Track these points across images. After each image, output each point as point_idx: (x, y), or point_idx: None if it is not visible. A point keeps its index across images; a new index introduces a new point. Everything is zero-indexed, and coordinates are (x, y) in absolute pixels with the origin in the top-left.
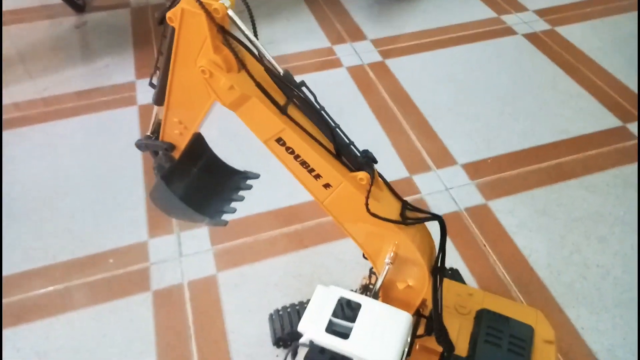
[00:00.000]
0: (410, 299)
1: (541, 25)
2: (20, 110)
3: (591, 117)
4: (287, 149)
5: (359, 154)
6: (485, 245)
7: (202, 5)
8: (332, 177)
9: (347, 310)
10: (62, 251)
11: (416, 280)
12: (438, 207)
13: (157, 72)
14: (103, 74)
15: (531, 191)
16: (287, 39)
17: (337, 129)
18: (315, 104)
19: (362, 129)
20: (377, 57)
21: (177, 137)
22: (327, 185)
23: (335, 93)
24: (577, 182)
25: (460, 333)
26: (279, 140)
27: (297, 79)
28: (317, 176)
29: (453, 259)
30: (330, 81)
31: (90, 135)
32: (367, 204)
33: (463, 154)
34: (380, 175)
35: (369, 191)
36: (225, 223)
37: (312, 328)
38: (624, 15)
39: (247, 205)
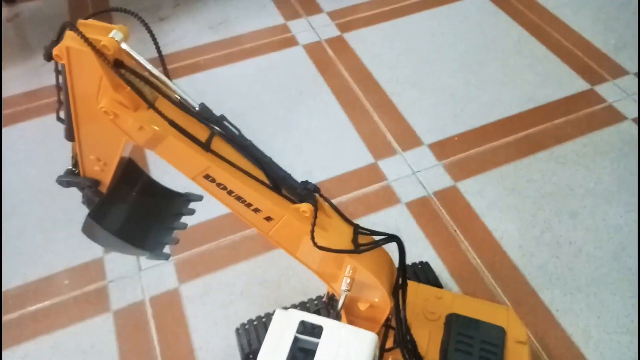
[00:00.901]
0: (375, 316)
1: None
2: None
3: (558, 81)
4: (218, 185)
5: (297, 186)
6: (455, 231)
7: (89, 43)
8: (271, 211)
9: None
10: (13, 276)
11: (378, 298)
12: (406, 193)
13: (62, 105)
14: (44, 72)
15: (500, 168)
16: (239, 18)
17: (271, 162)
18: (241, 138)
19: (323, 113)
20: (335, 32)
21: (98, 173)
22: (268, 218)
23: (293, 74)
24: (546, 153)
25: (430, 341)
26: (208, 177)
27: (253, 62)
28: (256, 210)
29: (423, 249)
30: (287, 61)
31: (35, 143)
32: (312, 238)
33: (429, 133)
34: (327, 200)
35: (313, 224)
36: (167, 257)
37: None
38: None
39: (206, 208)
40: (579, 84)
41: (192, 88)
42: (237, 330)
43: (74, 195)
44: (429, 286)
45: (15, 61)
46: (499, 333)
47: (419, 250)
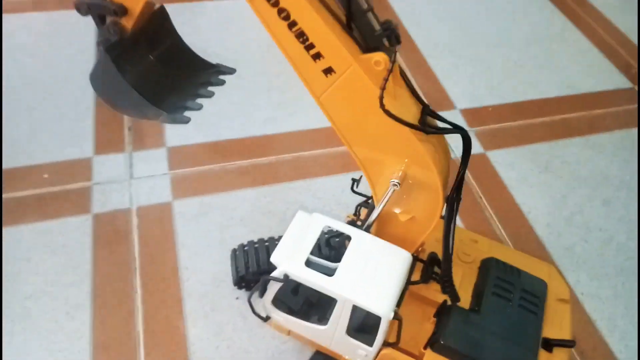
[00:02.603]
0: (412, 235)
1: None
2: None
3: (600, 75)
4: (280, 11)
5: (378, 27)
6: (481, 198)
7: None
8: (338, 57)
9: (325, 251)
10: None
11: (425, 210)
12: None
13: None
14: None
15: (534, 145)
16: None
17: None
18: None
19: None
20: None
21: None
22: (328, 71)
23: None
24: (583, 140)
25: (463, 282)
26: None
27: None
28: (317, 56)
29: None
30: None
31: (37, 35)
32: (381, 98)
33: (463, 99)
34: (401, 70)
35: (386, 80)
36: (188, 120)
37: (289, 260)
38: None
39: (216, 128)
40: (621, 81)
41: (219, 13)
42: (234, 250)
43: (70, 90)
44: (463, 228)
45: None
46: (541, 286)
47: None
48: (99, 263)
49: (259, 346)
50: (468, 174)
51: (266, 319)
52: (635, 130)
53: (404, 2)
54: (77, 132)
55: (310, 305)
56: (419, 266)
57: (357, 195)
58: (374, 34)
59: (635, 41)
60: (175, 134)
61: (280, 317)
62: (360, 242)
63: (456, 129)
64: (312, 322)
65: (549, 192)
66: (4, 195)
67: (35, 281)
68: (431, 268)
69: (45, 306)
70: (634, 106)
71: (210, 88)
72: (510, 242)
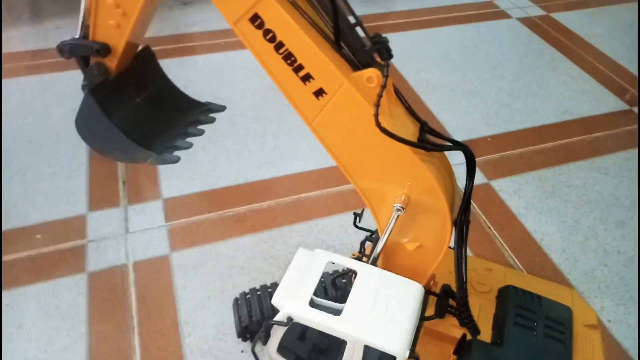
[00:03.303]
0: (422, 266)
1: (535, 11)
2: None
3: (595, 99)
4: (266, 32)
5: (368, 42)
6: (490, 228)
7: None
8: (328, 77)
9: (331, 292)
10: None
11: (433, 235)
12: None
13: None
14: (53, 36)
15: (537, 171)
16: None
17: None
18: None
19: None
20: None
21: (112, 32)
22: (319, 93)
23: None
24: (586, 163)
25: (480, 315)
26: (255, 20)
27: None
28: (307, 77)
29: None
30: None
31: (31, 97)
32: (376, 115)
33: (460, 131)
34: (395, 87)
35: (379, 96)
36: (177, 159)
37: (291, 300)
38: (623, 5)
39: (211, 177)
40: (617, 104)
41: (210, 66)
42: (236, 300)
43: (63, 148)
44: (476, 257)
45: (22, 23)
46: (566, 312)
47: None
48: (94, 323)
49: None
50: (473, 205)
51: None
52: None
53: (394, 45)
54: (71, 189)
55: (319, 351)
56: (433, 300)
57: (360, 232)
58: (364, 49)
59: (625, 65)
60: (170, 185)
61: None
62: (367, 277)
63: (457, 145)
64: None
65: (560, 218)
66: None
67: (28, 348)
68: (445, 301)
69: None
70: (634, 127)
71: (200, 127)
72: (526, 271)
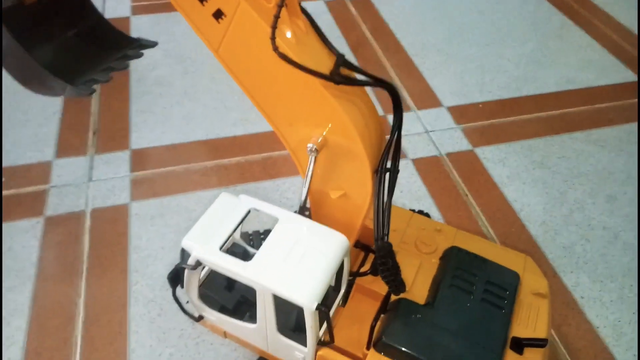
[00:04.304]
0: (349, 217)
1: None
2: None
3: (602, 69)
4: None
5: None
6: (467, 195)
7: None
8: None
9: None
10: None
11: (354, 183)
12: (414, 149)
13: None
14: None
15: (528, 140)
16: None
17: None
18: None
19: None
20: None
21: None
22: (219, 15)
23: None
24: (583, 135)
25: (419, 274)
26: None
27: None
28: None
29: (427, 207)
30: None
31: None
32: (273, 38)
33: (450, 96)
34: (306, 13)
35: (276, 17)
36: (91, 92)
37: (200, 245)
38: None
39: (183, 131)
40: (626, 75)
41: None
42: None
43: (39, 96)
44: (427, 218)
45: None
46: (512, 278)
47: (422, 206)
48: (44, 266)
49: (206, 354)
50: (452, 171)
51: (198, 318)
52: None
53: (391, 7)
54: (41, 136)
55: (248, 303)
56: (371, 259)
57: None
58: None
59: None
60: (141, 137)
61: (212, 316)
62: (288, 225)
63: (378, 82)
64: (245, 321)
65: (545, 189)
66: None
67: None
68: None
69: None
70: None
71: (127, 61)
72: (499, 241)
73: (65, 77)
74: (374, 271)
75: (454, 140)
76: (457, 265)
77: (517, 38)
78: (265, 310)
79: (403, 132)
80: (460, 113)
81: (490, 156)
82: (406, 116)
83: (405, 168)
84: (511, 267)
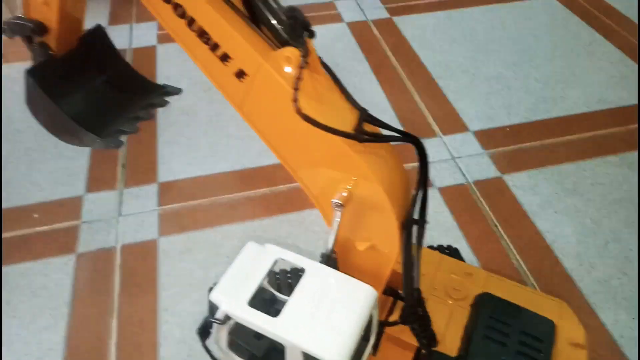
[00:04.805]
0: (377, 268)
1: None
2: None
3: (635, 87)
4: (176, 6)
5: (282, 17)
6: (497, 226)
7: None
8: (245, 56)
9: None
10: None
11: (381, 235)
12: (440, 177)
13: None
14: None
15: (558, 166)
16: None
17: None
18: None
19: (359, 87)
20: (384, 14)
21: (42, 9)
22: (240, 74)
23: (332, 48)
24: (617, 158)
25: (450, 324)
26: None
27: None
28: (225, 57)
29: (455, 239)
30: (328, 35)
31: None
32: (295, 100)
33: (476, 120)
34: (328, 68)
35: (298, 78)
36: (120, 144)
37: (228, 299)
38: None
39: (209, 162)
40: None
41: None
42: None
43: None
44: (457, 260)
45: None
46: (547, 327)
47: (450, 239)
48: (77, 305)
49: None
50: (481, 200)
51: None
52: None
53: (413, 28)
54: (72, 170)
55: (276, 351)
56: (400, 306)
57: None
58: (279, 27)
59: None
60: (168, 169)
61: None
62: (315, 277)
63: (403, 135)
64: None
65: (578, 218)
66: None
67: (11, 325)
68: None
69: (18, 352)
70: None
71: (152, 110)
72: (532, 277)
73: (93, 129)
74: (403, 320)
75: (482, 166)
76: (489, 314)
77: (544, 56)
78: None
79: (429, 159)
80: (487, 137)
81: (520, 183)
82: (431, 142)
83: (433, 197)
84: (546, 314)
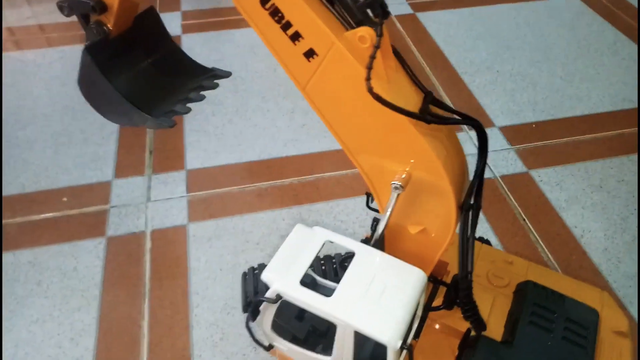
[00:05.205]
0: (427, 252)
1: None
2: None
3: None
4: None
5: None
6: (525, 220)
7: None
8: (317, 36)
9: (341, 273)
10: (10, 183)
11: (436, 219)
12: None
13: None
14: None
15: (584, 163)
16: None
17: None
18: None
19: None
20: (407, 10)
21: None
22: (310, 54)
23: None
24: None
25: (493, 310)
26: None
27: None
28: (296, 36)
29: (483, 232)
30: None
31: (70, 66)
32: (368, 79)
33: (502, 116)
34: (397, 52)
35: (372, 57)
36: (173, 124)
37: (281, 277)
38: None
39: (236, 151)
40: None
41: (247, 40)
42: (244, 274)
43: (96, 115)
44: (496, 249)
45: None
46: (591, 315)
47: (478, 232)
48: (108, 287)
49: None
50: (509, 195)
51: (269, 347)
52: None
53: (438, 24)
54: (100, 155)
55: (318, 333)
56: (442, 291)
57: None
58: (355, 5)
59: None
60: (195, 157)
61: (283, 346)
62: (366, 259)
63: (467, 118)
64: (317, 353)
65: (605, 214)
66: (21, 219)
67: (43, 305)
68: (455, 291)
69: (51, 331)
70: None
71: (202, 92)
72: (561, 270)
73: (144, 109)
74: (447, 305)
75: (508, 162)
76: (534, 301)
77: (568, 54)
78: (343, 345)
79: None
80: (514, 133)
81: (547, 179)
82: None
83: None
84: (588, 302)
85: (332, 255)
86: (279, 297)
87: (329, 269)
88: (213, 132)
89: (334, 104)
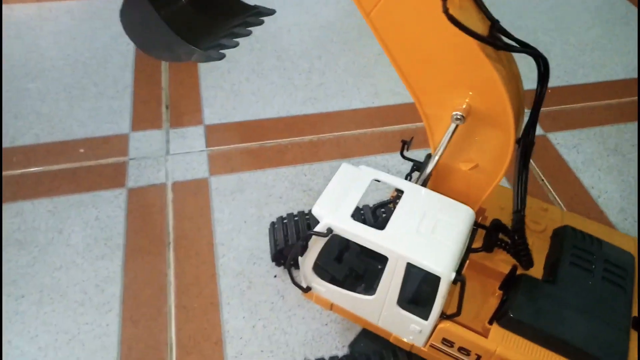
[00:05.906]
0: (475, 189)
1: None
2: None
3: None
4: None
5: None
6: (543, 180)
7: None
8: None
9: (370, 222)
10: (24, 134)
11: (491, 154)
12: None
13: None
14: None
15: (599, 127)
16: None
17: None
18: None
19: None
20: None
21: None
22: None
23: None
24: None
25: (532, 252)
26: None
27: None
28: None
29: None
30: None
31: (79, 20)
32: (444, 1)
33: None
34: None
35: None
36: (222, 56)
37: (332, 211)
38: None
39: (254, 108)
40: None
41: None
42: (273, 224)
43: (109, 70)
44: (531, 197)
45: None
46: (628, 258)
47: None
48: (131, 236)
49: (297, 327)
50: None
51: (306, 289)
52: None
53: None
54: (115, 109)
55: (356, 276)
56: (480, 235)
57: (403, 169)
58: None
59: None
60: (213, 112)
61: (322, 287)
62: (415, 197)
63: (530, 48)
64: (358, 292)
65: (620, 176)
66: (38, 168)
67: (66, 252)
68: (495, 234)
69: (75, 278)
70: None
71: (248, 28)
72: None
73: (191, 42)
74: (486, 247)
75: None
76: (573, 244)
77: (581, 24)
78: (392, 280)
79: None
80: (529, 98)
81: (564, 142)
82: None
83: None
84: (622, 248)
85: (360, 207)
86: (329, 231)
87: (357, 219)
88: (230, 89)
89: (401, 32)
